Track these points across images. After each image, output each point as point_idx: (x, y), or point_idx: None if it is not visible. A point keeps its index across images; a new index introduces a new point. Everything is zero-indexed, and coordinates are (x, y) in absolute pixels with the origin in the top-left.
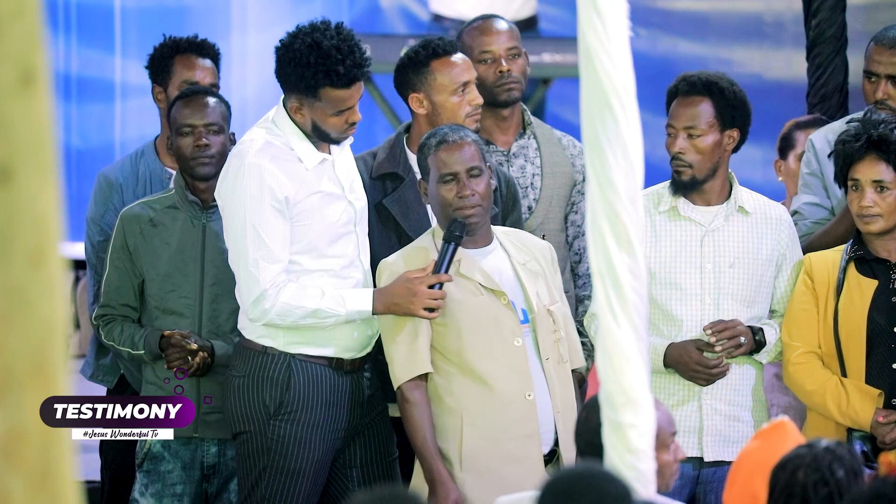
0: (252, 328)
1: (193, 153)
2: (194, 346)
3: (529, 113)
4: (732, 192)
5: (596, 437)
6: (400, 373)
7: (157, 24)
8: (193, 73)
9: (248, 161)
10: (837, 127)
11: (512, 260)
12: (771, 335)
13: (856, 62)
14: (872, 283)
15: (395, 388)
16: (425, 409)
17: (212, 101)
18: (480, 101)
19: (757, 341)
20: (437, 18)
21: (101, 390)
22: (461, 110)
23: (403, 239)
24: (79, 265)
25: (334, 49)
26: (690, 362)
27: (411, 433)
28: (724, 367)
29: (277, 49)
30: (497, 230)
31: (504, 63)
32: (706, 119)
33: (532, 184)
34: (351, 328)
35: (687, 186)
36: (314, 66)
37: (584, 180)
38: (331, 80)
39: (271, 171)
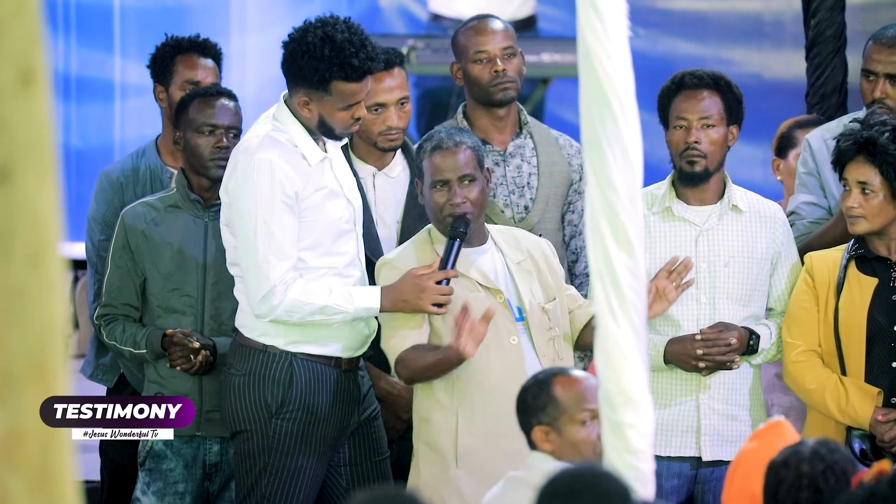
0: (252, 326)
1: (213, 154)
2: (196, 345)
3: (526, 112)
4: (726, 191)
5: None
6: (391, 355)
7: (156, 24)
8: (195, 73)
9: (258, 157)
10: (833, 126)
11: (506, 259)
12: (766, 339)
13: (855, 62)
14: (873, 282)
15: (393, 371)
16: (418, 346)
17: (232, 103)
18: (393, 123)
19: (749, 346)
20: (436, 18)
21: (101, 389)
22: (374, 127)
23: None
24: (79, 265)
25: (347, 42)
26: (693, 352)
27: (426, 364)
28: (729, 357)
29: (287, 43)
30: (492, 229)
31: (499, 63)
32: (717, 111)
33: (529, 183)
34: (356, 326)
35: (698, 178)
36: (328, 59)
37: (580, 179)
38: (344, 72)
39: (281, 166)
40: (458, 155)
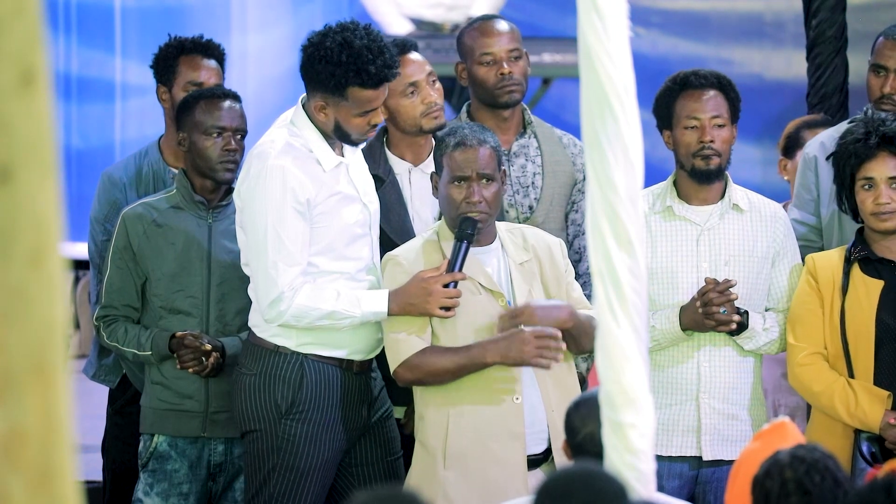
0: (264, 326)
1: (222, 157)
2: (208, 347)
3: (530, 112)
4: (727, 190)
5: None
6: (394, 356)
7: (157, 24)
8: (198, 74)
9: (271, 163)
10: (832, 133)
11: (510, 260)
12: (757, 323)
13: (856, 62)
14: (878, 284)
15: (392, 371)
16: (429, 350)
17: (238, 105)
18: (433, 99)
19: (739, 324)
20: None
21: (103, 390)
22: (415, 111)
23: (385, 241)
24: (79, 265)
25: (365, 49)
26: (700, 309)
27: (443, 368)
28: (730, 315)
29: (306, 47)
30: (501, 227)
31: (505, 65)
32: (725, 110)
33: (533, 183)
34: (368, 329)
35: (713, 175)
36: (345, 65)
37: (584, 179)
38: (361, 79)
39: (294, 173)
40: (480, 152)
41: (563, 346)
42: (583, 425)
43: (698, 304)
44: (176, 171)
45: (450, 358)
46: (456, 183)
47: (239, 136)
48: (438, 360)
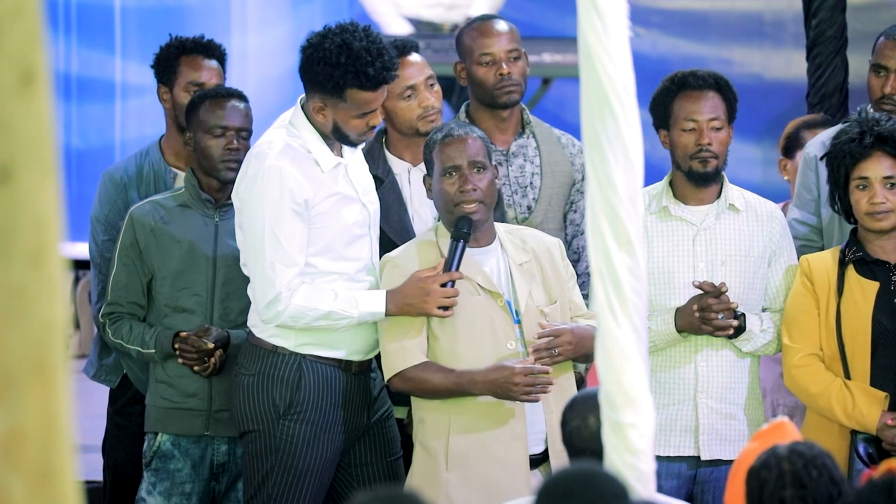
0: (263, 327)
1: (224, 155)
2: (211, 346)
3: (528, 112)
4: (723, 190)
5: (590, 442)
6: (390, 365)
7: (157, 24)
8: (199, 74)
9: (269, 163)
10: (831, 133)
11: (509, 260)
12: (755, 325)
13: (856, 62)
14: (874, 285)
15: (386, 380)
16: (426, 365)
17: (243, 105)
18: (430, 103)
19: (737, 327)
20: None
21: (104, 390)
22: (412, 113)
23: (384, 241)
24: (79, 265)
25: (364, 51)
26: (697, 314)
27: (434, 388)
28: (728, 319)
29: (305, 48)
30: (500, 228)
31: (504, 66)
32: (723, 111)
33: (531, 183)
34: (367, 329)
35: (710, 178)
36: (343, 67)
37: (583, 179)
38: (359, 81)
39: (292, 173)
40: (469, 142)
41: (554, 381)
42: (570, 419)
43: (695, 307)
44: (176, 170)
45: (441, 380)
46: (448, 175)
47: (243, 136)
48: (431, 378)
